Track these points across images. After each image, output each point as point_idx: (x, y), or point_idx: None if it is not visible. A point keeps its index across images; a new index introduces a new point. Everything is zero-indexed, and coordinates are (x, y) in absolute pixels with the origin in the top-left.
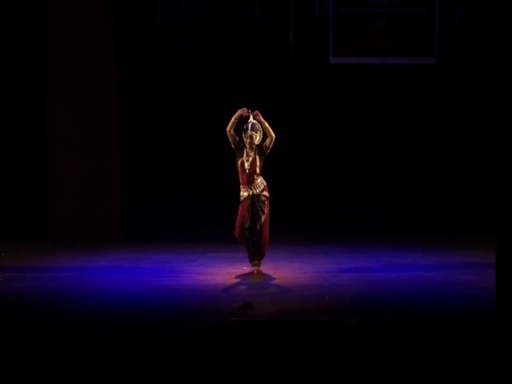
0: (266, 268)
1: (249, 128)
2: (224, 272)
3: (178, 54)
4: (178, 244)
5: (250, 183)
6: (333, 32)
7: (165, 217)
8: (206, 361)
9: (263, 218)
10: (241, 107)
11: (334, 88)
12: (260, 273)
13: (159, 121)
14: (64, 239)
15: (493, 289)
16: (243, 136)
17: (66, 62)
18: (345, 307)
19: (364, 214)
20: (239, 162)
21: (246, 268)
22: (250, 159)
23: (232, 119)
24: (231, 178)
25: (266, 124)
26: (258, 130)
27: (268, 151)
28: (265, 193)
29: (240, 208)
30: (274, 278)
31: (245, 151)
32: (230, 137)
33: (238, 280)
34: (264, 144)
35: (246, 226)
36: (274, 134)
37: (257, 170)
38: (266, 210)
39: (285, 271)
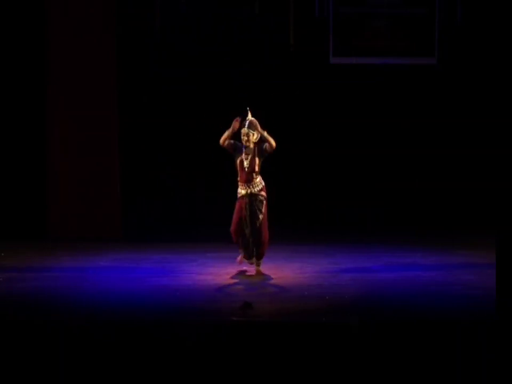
0: (266, 267)
1: (246, 125)
2: (224, 272)
3: (178, 54)
4: (178, 244)
5: (249, 181)
6: (333, 32)
7: (165, 217)
8: (206, 361)
9: (260, 217)
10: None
11: (334, 88)
12: (259, 273)
13: (159, 121)
14: (64, 239)
15: (493, 289)
16: (241, 134)
17: (66, 62)
18: (345, 307)
19: (364, 214)
20: (238, 160)
21: (246, 268)
22: (249, 157)
23: (226, 133)
24: (231, 178)
25: (266, 134)
26: (255, 128)
27: (267, 154)
28: (263, 193)
29: (237, 205)
30: (274, 278)
31: (243, 149)
32: (225, 147)
33: (238, 280)
34: (264, 147)
35: (245, 225)
36: (275, 141)
37: (256, 168)
38: (263, 209)
39: (285, 271)
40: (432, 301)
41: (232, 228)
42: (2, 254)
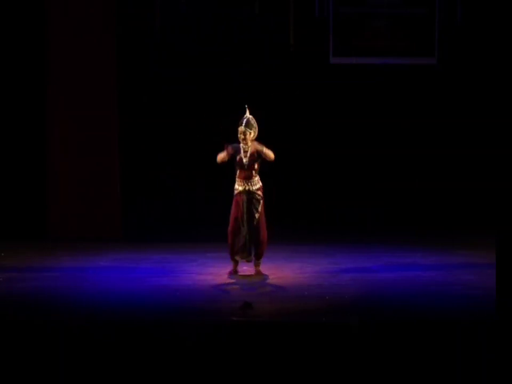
0: (266, 267)
1: (244, 124)
2: (224, 272)
3: (178, 54)
4: (178, 244)
5: (248, 178)
6: (333, 32)
7: (165, 217)
8: (206, 361)
9: (257, 216)
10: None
11: (334, 88)
12: (259, 273)
13: (159, 121)
14: (64, 239)
15: (493, 289)
16: (238, 132)
17: (66, 62)
18: (345, 307)
19: (364, 214)
20: (237, 158)
21: (246, 268)
22: (248, 155)
23: (221, 155)
24: (231, 178)
25: (265, 149)
26: (252, 126)
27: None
28: (260, 193)
29: (234, 202)
30: (274, 278)
31: (241, 147)
32: (225, 160)
33: (237, 280)
34: (263, 156)
35: (241, 224)
36: (274, 154)
37: (256, 166)
38: (260, 209)
39: (284, 271)
40: (432, 301)
41: (229, 228)
42: (2, 254)
